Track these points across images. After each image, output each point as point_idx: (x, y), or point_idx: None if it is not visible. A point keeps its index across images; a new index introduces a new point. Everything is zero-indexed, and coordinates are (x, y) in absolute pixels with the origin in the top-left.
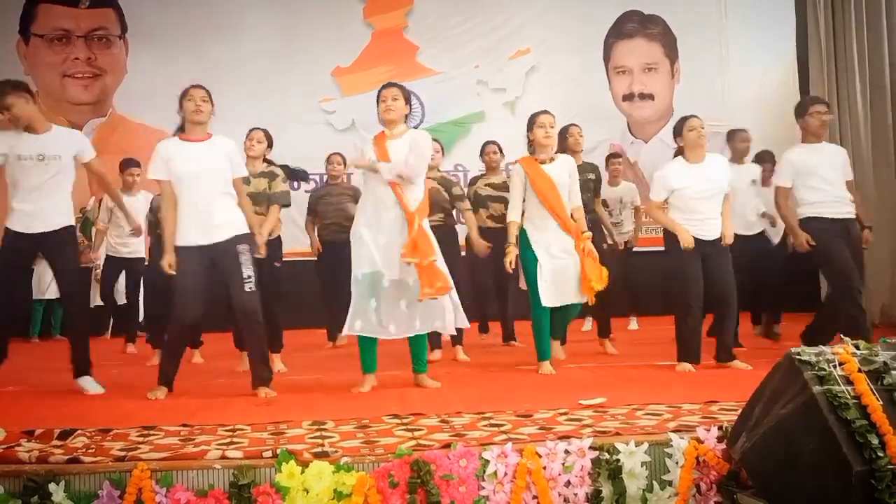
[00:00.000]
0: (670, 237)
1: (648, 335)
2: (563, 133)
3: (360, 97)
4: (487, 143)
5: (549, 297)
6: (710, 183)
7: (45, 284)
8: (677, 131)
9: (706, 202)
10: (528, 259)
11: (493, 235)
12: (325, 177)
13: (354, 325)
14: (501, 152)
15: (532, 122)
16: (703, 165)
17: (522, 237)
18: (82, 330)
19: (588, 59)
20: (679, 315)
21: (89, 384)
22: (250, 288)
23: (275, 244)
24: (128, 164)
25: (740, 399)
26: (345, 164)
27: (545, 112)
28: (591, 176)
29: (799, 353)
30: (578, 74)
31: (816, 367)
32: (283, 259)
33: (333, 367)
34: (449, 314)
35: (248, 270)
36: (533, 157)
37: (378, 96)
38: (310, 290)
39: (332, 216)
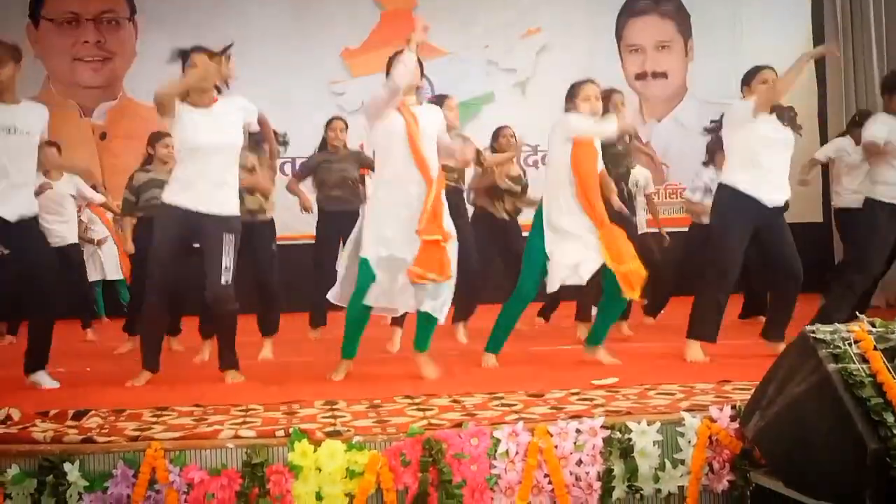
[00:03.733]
0: (721, 197)
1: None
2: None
3: (370, 78)
4: (504, 127)
5: (558, 275)
6: (778, 133)
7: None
8: (746, 81)
9: (774, 152)
10: (536, 237)
11: (501, 226)
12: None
13: (370, 297)
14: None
15: (574, 95)
16: (769, 116)
17: (536, 215)
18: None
19: (600, 38)
20: (709, 290)
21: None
22: (226, 281)
23: (268, 226)
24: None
25: (753, 379)
26: (347, 128)
27: (590, 82)
28: (620, 148)
29: (814, 332)
30: (590, 53)
31: (831, 345)
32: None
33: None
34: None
35: (227, 260)
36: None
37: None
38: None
39: (335, 183)
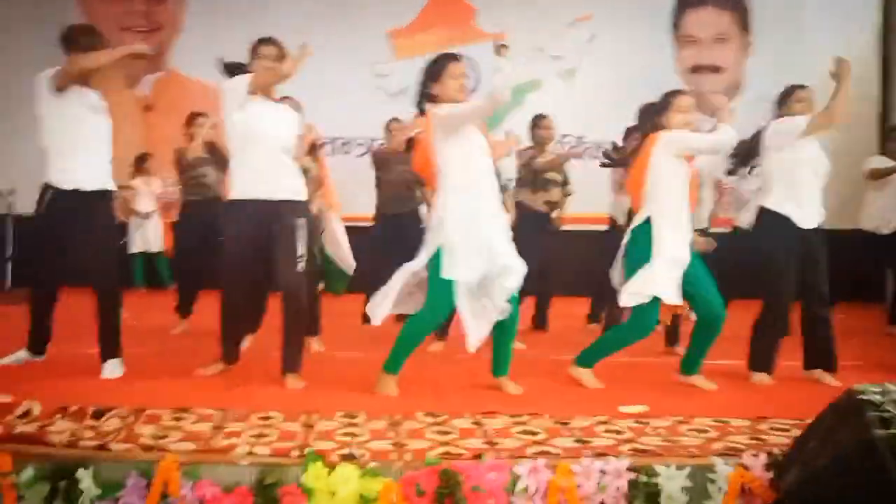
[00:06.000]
0: (767, 223)
1: None
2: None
3: (414, 60)
4: (542, 116)
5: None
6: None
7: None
8: (781, 102)
9: (812, 173)
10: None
11: (537, 219)
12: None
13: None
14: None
15: (667, 105)
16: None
17: (640, 234)
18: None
19: (654, 27)
20: (769, 327)
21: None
22: (302, 268)
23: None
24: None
25: (792, 416)
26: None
27: (682, 92)
28: None
29: (862, 392)
30: (643, 43)
31: (880, 408)
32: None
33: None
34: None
35: (302, 248)
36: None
37: (444, 69)
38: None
39: (395, 187)
